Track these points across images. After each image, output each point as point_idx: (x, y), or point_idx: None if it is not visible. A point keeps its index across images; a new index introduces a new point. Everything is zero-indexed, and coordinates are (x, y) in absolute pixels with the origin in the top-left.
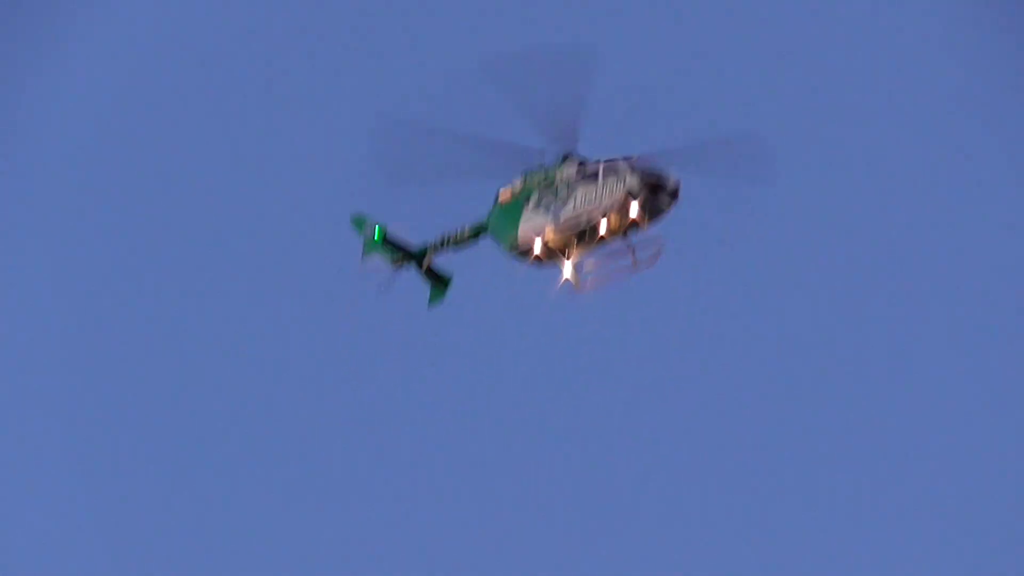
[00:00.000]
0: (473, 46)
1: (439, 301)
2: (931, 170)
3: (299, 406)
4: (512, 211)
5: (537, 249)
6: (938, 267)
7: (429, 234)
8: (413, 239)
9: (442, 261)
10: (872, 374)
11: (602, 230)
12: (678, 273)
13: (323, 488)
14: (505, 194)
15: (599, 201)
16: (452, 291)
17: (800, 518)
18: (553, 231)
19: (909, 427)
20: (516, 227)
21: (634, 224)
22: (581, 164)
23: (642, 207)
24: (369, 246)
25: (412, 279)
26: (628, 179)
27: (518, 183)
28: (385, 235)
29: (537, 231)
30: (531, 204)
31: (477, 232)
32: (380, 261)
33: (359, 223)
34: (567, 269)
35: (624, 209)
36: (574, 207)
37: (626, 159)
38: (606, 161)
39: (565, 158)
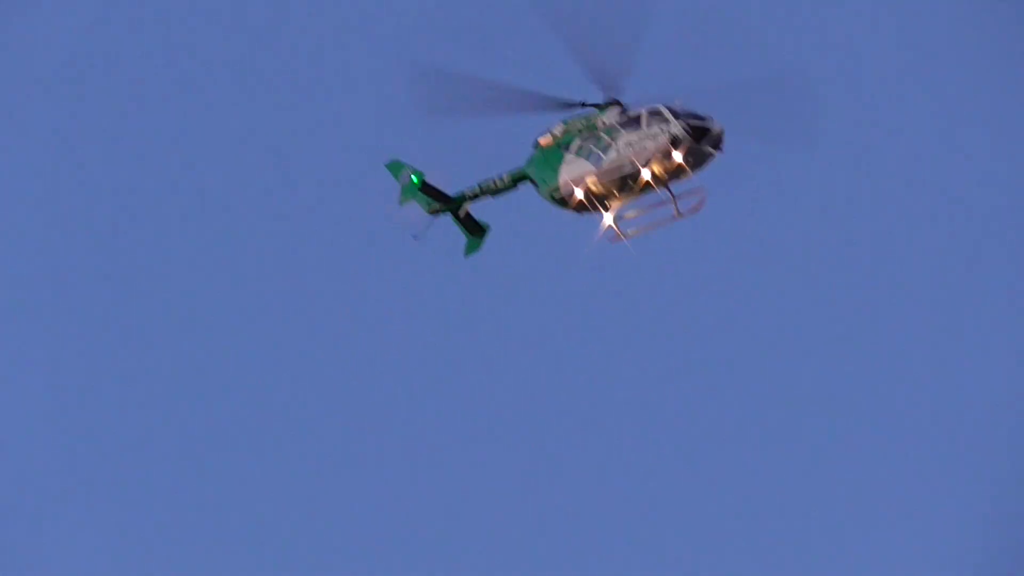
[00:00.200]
0: None
1: (476, 250)
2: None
3: (334, 358)
4: (552, 157)
5: (578, 196)
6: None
7: (465, 178)
8: (449, 182)
9: (480, 209)
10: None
11: (644, 178)
12: (721, 223)
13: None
14: (545, 140)
15: (642, 148)
16: (489, 239)
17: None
18: (595, 178)
19: (927, 422)
20: (557, 174)
21: (677, 172)
22: (623, 110)
23: (686, 155)
24: (406, 193)
25: (448, 227)
26: (672, 126)
27: (558, 129)
28: (423, 182)
29: (578, 178)
30: (572, 150)
31: (516, 180)
32: (416, 208)
33: (395, 169)
34: (608, 217)
35: (668, 156)
36: (617, 154)
37: (669, 106)
38: (649, 107)
39: (607, 104)
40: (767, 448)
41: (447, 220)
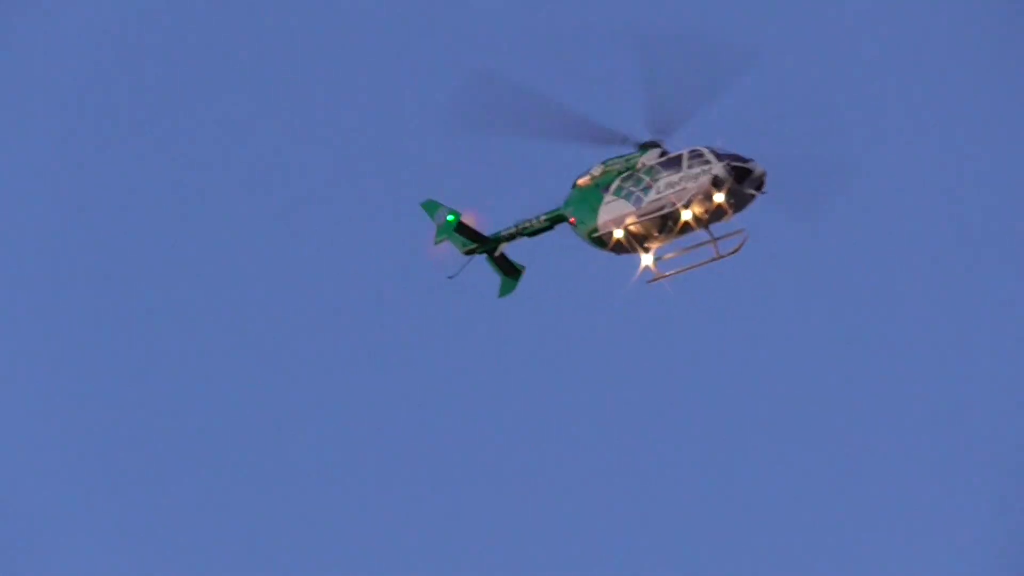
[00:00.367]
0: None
1: (511, 291)
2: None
3: (358, 394)
4: (591, 197)
5: (617, 236)
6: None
7: (496, 206)
8: (482, 212)
9: (516, 250)
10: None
11: (685, 218)
12: (761, 265)
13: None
14: (584, 181)
15: (683, 188)
16: (524, 280)
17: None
18: (634, 218)
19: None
20: (596, 213)
21: (718, 213)
22: (663, 152)
23: (727, 196)
24: (441, 232)
25: (483, 268)
26: (714, 166)
27: (598, 170)
28: (459, 222)
29: (618, 218)
30: (611, 191)
31: (553, 220)
32: (451, 248)
33: (431, 208)
34: (646, 258)
35: (708, 197)
36: (657, 194)
37: (711, 147)
38: (690, 148)
39: (647, 145)
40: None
41: (482, 260)
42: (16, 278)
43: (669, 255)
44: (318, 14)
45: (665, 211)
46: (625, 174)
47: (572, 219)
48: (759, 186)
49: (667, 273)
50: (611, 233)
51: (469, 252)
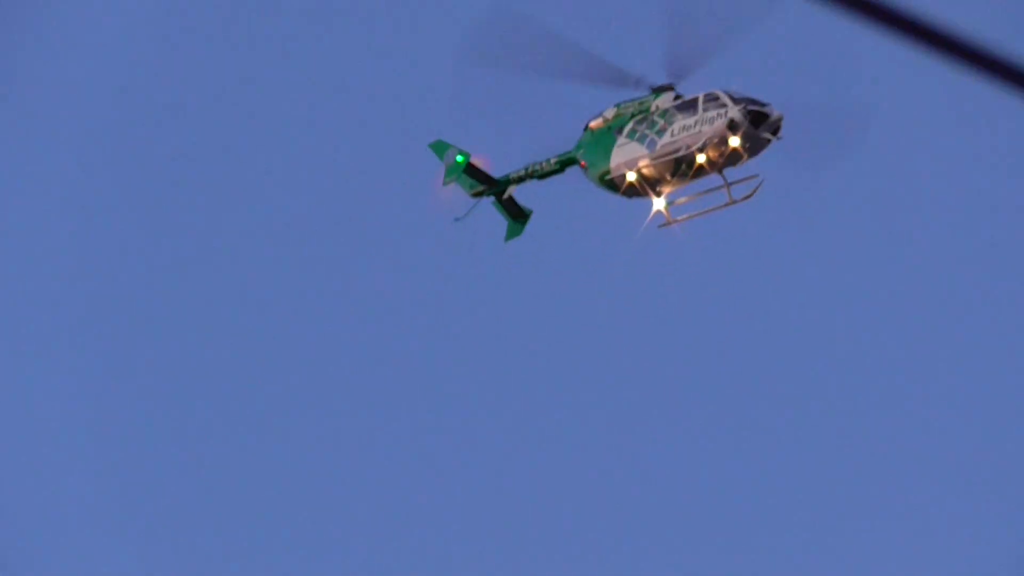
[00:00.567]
0: None
1: (517, 235)
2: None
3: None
4: (604, 140)
5: (630, 179)
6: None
7: (511, 158)
8: (492, 158)
9: (524, 193)
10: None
11: (699, 161)
12: (774, 210)
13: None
14: (596, 123)
15: (698, 132)
16: (531, 224)
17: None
18: (648, 161)
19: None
20: (608, 157)
21: (733, 157)
22: (677, 95)
23: (743, 140)
24: (450, 173)
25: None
26: (730, 110)
27: (611, 112)
28: (468, 163)
29: (631, 161)
30: (625, 133)
31: (564, 163)
32: (459, 189)
33: (440, 149)
34: (658, 202)
35: (724, 141)
36: (671, 137)
37: (727, 90)
38: (706, 92)
39: (660, 89)
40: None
41: (488, 203)
42: (20, 278)
43: (681, 200)
44: None
45: (679, 154)
46: (639, 117)
47: (583, 163)
48: (776, 131)
49: (679, 218)
50: (624, 176)
51: (477, 194)
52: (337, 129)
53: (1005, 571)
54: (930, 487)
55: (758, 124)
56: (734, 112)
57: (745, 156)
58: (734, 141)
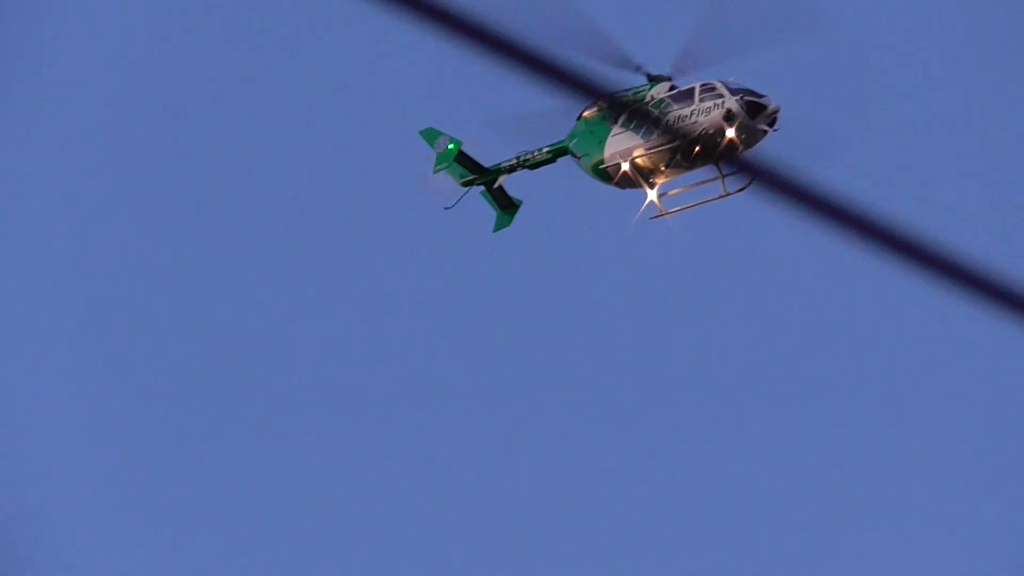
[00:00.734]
0: None
1: (506, 226)
2: None
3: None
4: (598, 129)
5: (625, 169)
6: None
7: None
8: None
9: (515, 183)
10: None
11: (695, 152)
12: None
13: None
14: (590, 113)
15: (694, 121)
16: (520, 215)
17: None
18: (643, 152)
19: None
20: (602, 146)
21: (729, 148)
22: (673, 86)
23: (739, 131)
24: (440, 161)
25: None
26: (727, 100)
27: (605, 102)
28: (460, 151)
29: (625, 151)
30: (619, 123)
31: (556, 153)
32: (449, 178)
33: (431, 137)
34: (652, 193)
35: (720, 132)
36: (667, 127)
37: (724, 81)
38: (703, 82)
39: (656, 79)
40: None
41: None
42: (21, 278)
43: (674, 191)
44: None
45: (675, 144)
46: (634, 107)
47: (576, 154)
48: (772, 122)
49: (672, 210)
50: (618, 166)
51: (467, 183)
52: (329, 117)
53: (1004, 571)
54: (920, 486)
55: (755, 115)
56: (731, 102)
57: (741, 147)
58: (730, 132)
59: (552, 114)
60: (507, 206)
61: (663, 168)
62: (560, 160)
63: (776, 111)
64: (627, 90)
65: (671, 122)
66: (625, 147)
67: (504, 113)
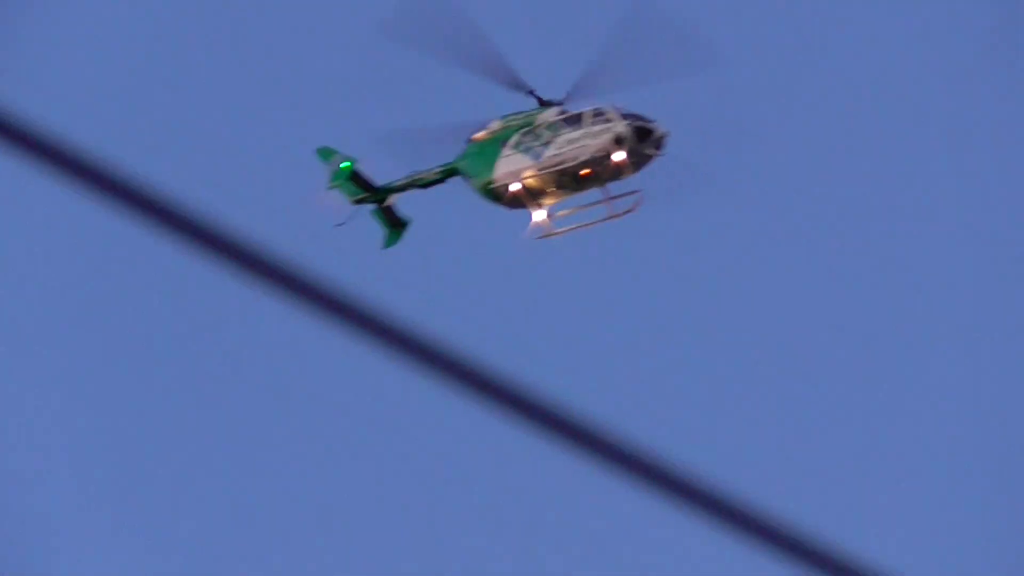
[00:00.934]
0: None
1: (394, 243)
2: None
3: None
4: (489, 150)
5: (515, 189)
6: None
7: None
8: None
9: (405, 202)
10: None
11: (584, 175)
12: (653, 223)
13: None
14: (481, 135)
15: (584, 144)
16: (410, 233)
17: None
18: (533, 172)
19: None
20: (493, 166)
21: (617, 171)
22: (563, 110)
23: (628, 154)
24: (335, 179)
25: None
26: (616, 124)
27: (496, 125)
28: (354, 170)
29: (516, 171)
30: (511, 144)
31: (447, 173)
32: (341, 195)
33: (326, 155)
34: (540, 214)
35: (609, 155)
36: (558, 149)
37: (613, 105)
38: (593, 106)
39: (546, 103)
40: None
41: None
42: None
43: (562, 212)
44: None
45: (564, 166)
46: (525, 129)
47: (468, 175)
48: (659, 145)
49: (559, 230)
50: (507, 186)
51: (358, 201)
52: (223, 132)
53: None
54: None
55: (643, 139)
56: (620, 127)
57: (629, 171)
58: (619, 155)
59: (444, 133)
60: (396, 224)
61: (552, 189)
62: (451, 180)
63: (664, 136)
64: (517, 113)
65: (561, 144)
66: (515, 168)
67: (396, 131)
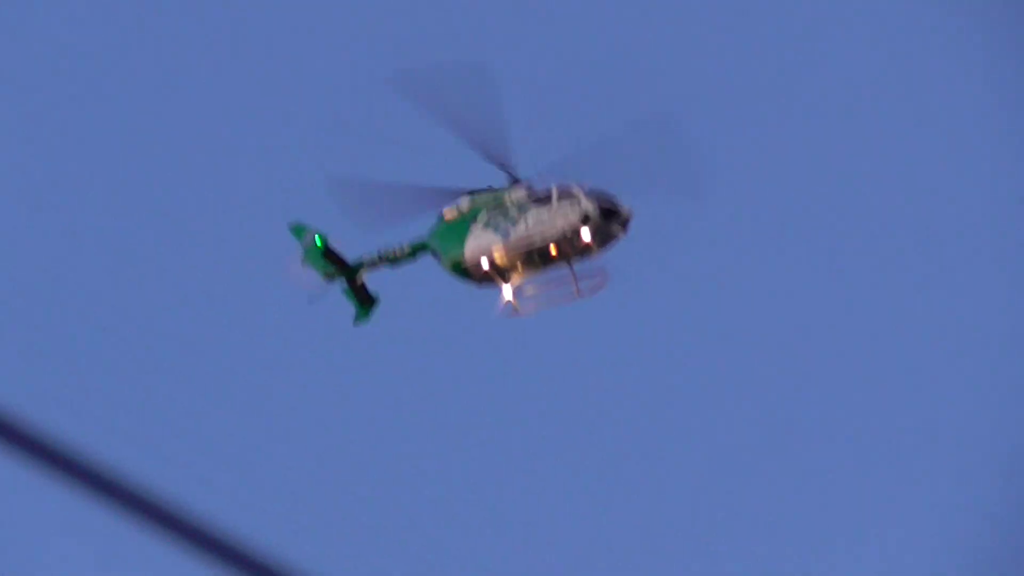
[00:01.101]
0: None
1: (363, 320)
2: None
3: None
4: (458, 228)
5: (484, 267)
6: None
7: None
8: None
9: (375, 279)
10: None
11: (551, 253)
12: (618, 301)
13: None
14: (450, 213)
15: (552, 223)
16: (381, 307)
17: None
18: (502, 250)
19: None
20: (462, 244)
21: (584, 250)
22: (530, 188)
23: (594, 233)
24: (308, 255)
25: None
26: (583, 203)
27: (464, 203)
28: (326, 246)
29: (485, 249)
30: (480, 222)
31: (416, 250)
32: (313, 271)
33: (299, 231)
34: (507, 291)
35: (576, 234)
36: (526, 227)
37: (580, 185)
38: (560, 186)
39: (513, 182)
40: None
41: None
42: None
43: (530, 291)
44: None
45: (533, 244)
46: (493, 208)
47: (438, 252)
48: (624, 225)
49: (528, 308)
50: (477, 263)
51: (329, 276)
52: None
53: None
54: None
55: (609, 219)
56: (587, 206)
57: (595, 249)
58: (586, 234)
59: (411, 193)
60: (365, 301)
61: (520, 267)
62: (421, 256)
63: (629, 216)
64: (485, 191)
65: (529, 223)
66: (484, 245)
67: (366, 204)
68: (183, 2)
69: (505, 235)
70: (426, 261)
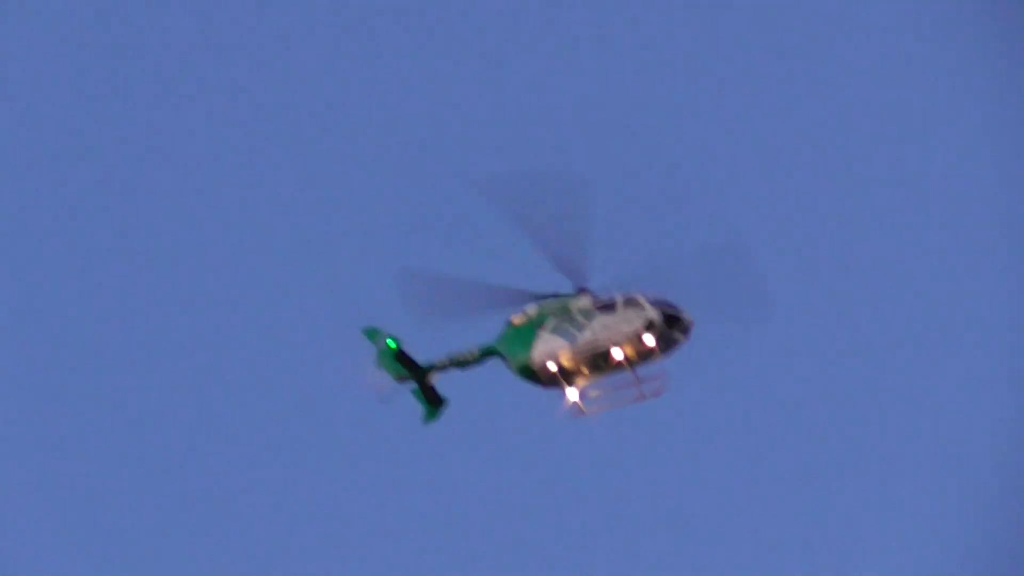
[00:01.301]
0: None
1: (433, 420)
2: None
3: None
4: (526, 333)
5: (551, 369)
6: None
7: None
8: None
9: (444, 382)
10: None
11: (616, 358)
12: (680, 404)
13: None
14: (518, 318)
15: (618, 330)
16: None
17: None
18: (569, 354)
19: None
20: (530, 348)
21: (647, 355)
22: (595, 296)
23: (658, 339)
24: (381, 358)
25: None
26: (647, 311)
27: (532, 310)
28: (399, 349)
29: (552, 354)
30: (547, 328)
31: (485, 354)
32: (386, 373)
33: (372, 335)
34: (573, 394)
35: (640, 340)
36: (592, 333)
37: (644, 294)
38: (624, 295)
39: (577, 292)
40: None
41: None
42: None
43: (594, 393)
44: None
45: (598, 349)
46: (560, 314)
47: (506, 356)
48: (686, 332)
49: (593, 409)
50: (544, 367)
51: (401, 379)
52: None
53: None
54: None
55: (672, 326)
56: (652, 313)
57: (658, 354)
58: (650, 340)
59: (484, 314)
60: (435, 402)
61: (586, 371)
62: (489, 360)
63: (691, 322)
64: (552, 298)
65: (595, 329)
66: (551, 350)
67: (438, 311)
68: (272, 94)
69: (572, 340)
70: (494, 364)
